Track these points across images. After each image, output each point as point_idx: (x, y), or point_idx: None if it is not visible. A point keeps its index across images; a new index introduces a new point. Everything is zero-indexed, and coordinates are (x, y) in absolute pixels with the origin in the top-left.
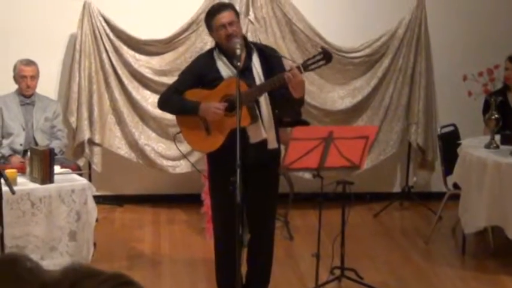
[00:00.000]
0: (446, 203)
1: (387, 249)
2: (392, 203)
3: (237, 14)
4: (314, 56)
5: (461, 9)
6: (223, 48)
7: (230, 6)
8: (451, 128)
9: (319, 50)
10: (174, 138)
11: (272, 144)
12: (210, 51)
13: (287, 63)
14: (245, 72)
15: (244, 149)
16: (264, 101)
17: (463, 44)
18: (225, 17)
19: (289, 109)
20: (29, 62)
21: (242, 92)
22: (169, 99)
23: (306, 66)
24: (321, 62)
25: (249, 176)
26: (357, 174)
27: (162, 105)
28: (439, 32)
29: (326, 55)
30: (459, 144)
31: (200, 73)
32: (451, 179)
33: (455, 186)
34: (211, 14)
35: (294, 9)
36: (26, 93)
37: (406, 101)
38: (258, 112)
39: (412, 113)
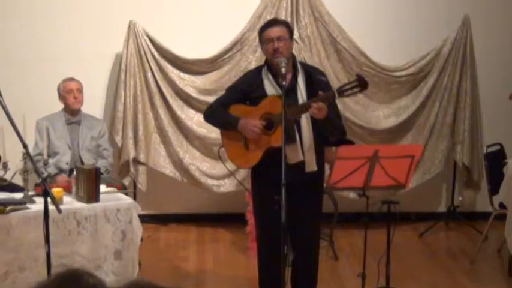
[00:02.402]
0: (492, 223)
1: (432, 269)
2: (438, 223)
3: (290, 32)
4: (350, 83)
5: (507, 28)
6: (271, 65)
7: (284, 23)
8: (497, 147)
9: (355, 76)
10: (218, 153)
11: (310, 167)
12: (258, 68)
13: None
14: (289, 92)
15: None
16: (305, 123)
17: (509, 62)
18: (275, 31)
19: (331, 127)
20: (72, 78)
21: (281, 111)
22: (214, 112)
23: (340, 92)
24: (356, 89)
25: (291, 195)
26: (402, 194)
27: (207, 117)
28: (484, 50)
29: (361, 82)
30: (505, 163)
31: (246, 89)
32: (497, 199)
33: (502, 205)
34: (264, 27)
35: (338, 28)
36: (74, 108)
37: (451, 120)
38: (296, 133)
39: (458, 132)
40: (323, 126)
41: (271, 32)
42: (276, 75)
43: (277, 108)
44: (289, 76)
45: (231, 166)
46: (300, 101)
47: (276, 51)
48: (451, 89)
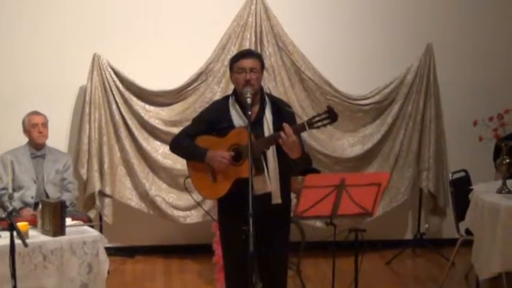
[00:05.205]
0: (459, 249)
1: None
2: (405, 250)
3: (262, 65)
4: (319, 114)
5: (470, 54)
6: (238, 96)
7: (258, 56)
8: (462, 174)
9: (325, 108)
10: (184, 184)
11: (276, 199)
12: (225, 98)
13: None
14: (256, 124)
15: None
16: (271, 154)
17: (472, 88)
18: (249, 62)
19: (300, 162)
20: (37, 112)
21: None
22: (180, 143)
23: (310, 124)
24: (326, 121)
25: (258, 225)
26: (368, 222)
27: (173, 147)
28: (448, 77)
29: (331, 114)
30: (471, 190)
31: (213, 120)
32: (463, 225)
33: (468, 232)
34: (237, 56)
35: (302, 57)
36: (38, 142)
37: (416, 147)
38: (264, 164)
39: (423, 159)
40: (294, 161)
41: (245, 62)
42: (244, 106)
43: (245, 139)
44: (256, 108)
45: (197, 197)
46: (267, 133)
47: (248, 83)
48: (416, 117)
